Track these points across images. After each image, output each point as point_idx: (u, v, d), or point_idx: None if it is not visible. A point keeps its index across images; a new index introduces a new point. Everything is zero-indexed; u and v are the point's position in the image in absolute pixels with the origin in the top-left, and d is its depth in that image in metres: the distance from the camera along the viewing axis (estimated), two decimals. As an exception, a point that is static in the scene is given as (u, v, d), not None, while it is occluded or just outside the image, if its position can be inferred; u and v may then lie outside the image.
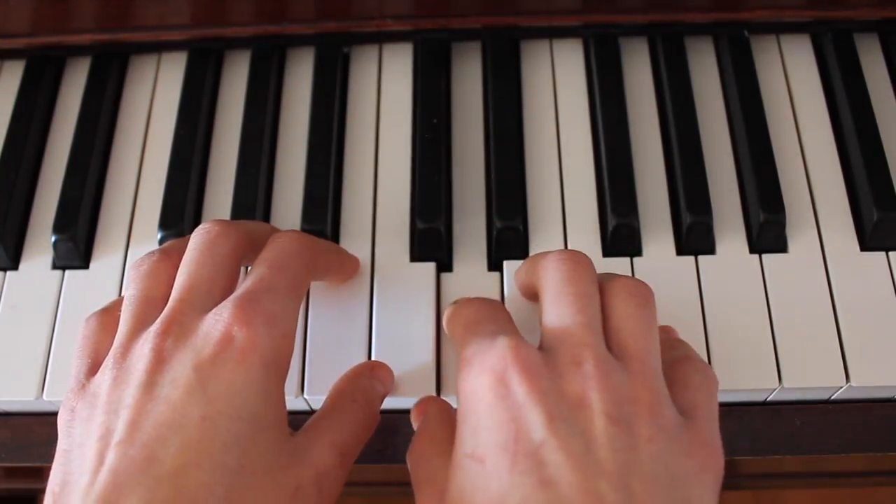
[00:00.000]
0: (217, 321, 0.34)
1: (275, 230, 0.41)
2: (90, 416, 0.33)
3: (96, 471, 0.31)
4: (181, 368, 0.33)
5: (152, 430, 0.31)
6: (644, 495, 0.30)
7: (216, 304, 0.35)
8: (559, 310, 0.34)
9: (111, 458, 0.31)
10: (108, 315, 0.38)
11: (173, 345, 0.33)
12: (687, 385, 0.35)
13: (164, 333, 0.34)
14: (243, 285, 0.35)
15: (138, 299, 0.36)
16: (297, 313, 0.36)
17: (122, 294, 0.38)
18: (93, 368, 0.36)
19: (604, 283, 0.36)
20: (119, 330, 0.36)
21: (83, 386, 0.35)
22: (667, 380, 0.34)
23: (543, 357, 0.33)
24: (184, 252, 0.37)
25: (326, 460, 0.35)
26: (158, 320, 0.35)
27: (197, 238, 0.37)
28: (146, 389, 0.32)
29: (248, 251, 0.38)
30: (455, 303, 0.40)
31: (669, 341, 0.38)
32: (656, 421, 0.32)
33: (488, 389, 0.32)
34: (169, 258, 0.37)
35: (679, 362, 0.36)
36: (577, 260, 0.36)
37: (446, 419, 0.36)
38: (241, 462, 0.32)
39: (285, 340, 0.35)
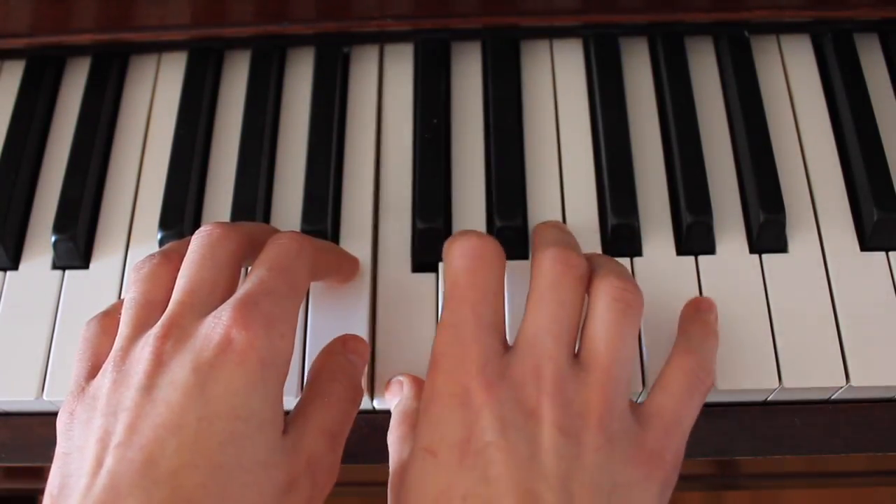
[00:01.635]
0: (216, 324, 0.34)
1: (275, 231, 0.41)
2: (89, 419, 0.33)
3: (95, 473, 0.31)
4: (180, 371, 0.33)
5: (151, 432, 0.31)
6: (582, 499, 0.32)
7: (217, 307, 0.35)
8: (537, 314, 0.36)
9: (110, 460, 0.31)
10: (109, 318, 0.38)
11: (173, 347, 0.33)
12: (665, 387, 0.37)
13: (165, 336, 0.34)
14: (243, 287, 0.35)
15: (138, 303, 0.36)
16: (297, 315, 0.36)
17: (123, 296, 0.38)
18: (92, 372, 0.36)
19: (594, 278, 0.38)
20: (119, 333, 0.36)
21: (83, 389, 0.35)
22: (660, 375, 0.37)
23: (507, 361, 0.35)
24: (184, 254, 0.37)
25: (317, 446, 0.35)
26: (159, 324, 0.35)
27: (197, 240, 0.37)
28: (145, 392, 0.32)
29: (248, 253, 0.38)
30: (455, 239, 0.38)
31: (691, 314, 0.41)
32: (604, 432, 0.34)
33: (452, 396, 0.35)
34: (169, 261, 0.37)
35: (677, 356, 0.38)
36: (569, 263, 0.37)
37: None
38: (237, 461, 0.32)
39: (284, 342, 0.35)
